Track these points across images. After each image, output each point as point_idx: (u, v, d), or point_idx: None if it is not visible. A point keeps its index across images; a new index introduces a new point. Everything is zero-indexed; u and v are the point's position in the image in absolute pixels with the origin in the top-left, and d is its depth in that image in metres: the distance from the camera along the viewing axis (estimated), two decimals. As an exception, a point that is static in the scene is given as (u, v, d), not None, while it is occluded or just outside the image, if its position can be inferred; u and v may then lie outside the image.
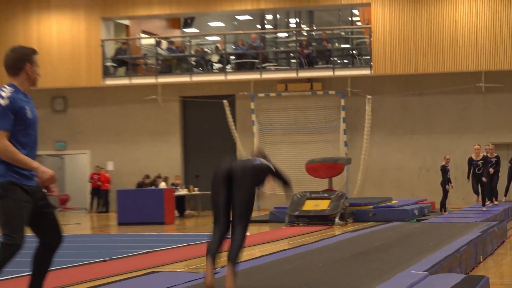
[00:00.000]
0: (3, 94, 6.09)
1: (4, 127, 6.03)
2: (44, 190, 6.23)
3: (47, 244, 6.51)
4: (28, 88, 6.42)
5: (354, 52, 34.08)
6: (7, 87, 6.21)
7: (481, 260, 13.29)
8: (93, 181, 34.07)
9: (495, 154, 27.02)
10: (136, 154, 35.11)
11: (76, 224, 27.37)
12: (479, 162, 23.60)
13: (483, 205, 23.41)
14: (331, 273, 9.33)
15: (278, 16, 37.08)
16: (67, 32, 35.48)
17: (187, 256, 15.20)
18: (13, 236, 6.12)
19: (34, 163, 6.21)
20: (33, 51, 6.41)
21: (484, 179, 25.67)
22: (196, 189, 31.11)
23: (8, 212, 6.16)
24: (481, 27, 31.73)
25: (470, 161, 23.99)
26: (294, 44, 35.08)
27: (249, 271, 9.58)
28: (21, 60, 6.27)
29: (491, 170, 26.48)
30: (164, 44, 36.04)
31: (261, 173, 7.92)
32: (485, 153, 27.17)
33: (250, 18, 36.69)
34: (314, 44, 34.47)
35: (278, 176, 8.22)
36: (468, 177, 24.44)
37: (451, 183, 27.15)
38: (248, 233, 19.14)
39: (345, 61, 34.18)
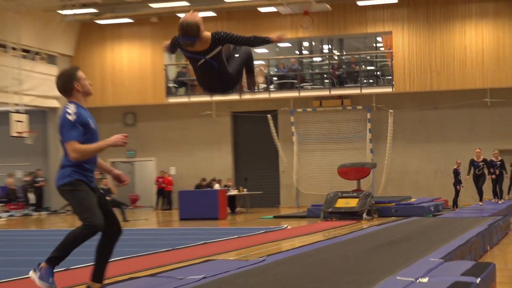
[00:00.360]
0: (70, 111, 6.54)
1: (76, 138, 6.49)
2: (115, 187, 7.85)
3: (107, 236, 6.89)
4: (85, 101, 7.02)
5: (378, 73, 34.99)
6: (71, 104, 6.67)
7: (488, 249, 13.34)
8: (158, 184, 35.14)
9: (500, 158, 26.91)
10: (194, 161, 35.98)
11: (144, 220, 28.26)
12: (480, 163, 23.85)
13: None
14: (360, 260, 9.33)
15: (313, 43, 37.66)
16: (136, 59, 36.65)
17: (238, 246, 15.51)
18: (91, 218, 6.40)
19: (104, 142, 6.80)
20: (75, 69, 6.92)
21: (493, 176, 26.13)
22: (245, 189, 32.20)
23: (81, 201, 6.50)
24: (486, 51, 32.66)
25: (472, 162, 24.22)
26: (327, 67, 35.95)
27: (291, 259, 9.80)
28: (69, 82, 6.75)
29: (497, 172, 26.33)
30: None
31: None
32: (492, 158, 27.02)
33: (290, 45, 37.20)
34: (344, 66, 35.31)
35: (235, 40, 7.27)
36: (468, 174, 24.65)
37: (461, 183, 26.96)
38: (289, 226, 21.41)
39: (370, 80, 34.95)
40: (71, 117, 6.45)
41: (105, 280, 6.92)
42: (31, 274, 6.28)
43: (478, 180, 24.16)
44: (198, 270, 8.74)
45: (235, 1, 32.73)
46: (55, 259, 6.31)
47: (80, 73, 6.75)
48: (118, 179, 7.06)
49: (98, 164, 7.01)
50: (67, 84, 6.67)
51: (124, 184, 7.17)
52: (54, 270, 6.45)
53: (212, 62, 7.03)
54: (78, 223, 6.59)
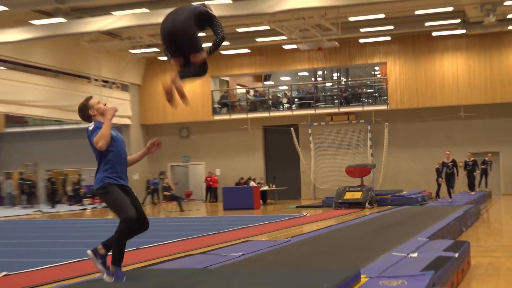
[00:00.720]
0: (90, 127, 6.33)
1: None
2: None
3: (141, 226, 6.46)
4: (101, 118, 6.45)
5: (376, 94, 34.78)
6: (91, 123, 6.42)
7: (464, 230, 13.62)
8: (206, 182, 34.98)
9: (472, 158, 27.28)
10: (234, 164, 35.80)
11: (196, 210, 28.35)
12: (450, 164, 22.79)
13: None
14: (364, 240, 9.59)
15: (325, 72, 37.57)
16: (188, 86, 37.67)
17: (268, 230, 15.49)
18: (125, 213, 6.10)
19: (105, 120, 6.27)
20: (87, 100, 6.59)
21: (477, 172, 26.81)
22: (273, 186, 32.33)
23: (115, 200, 6.22)
24: (460, 76, 32.47)
25: (443, 163, 23.32)
26: (336, 90, 35.92)
27: (309, 239, 10.07)
28: (85, 112, 6.50)
29: (479, 172, 27.44)
30: (251, 92, 37.04)
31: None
32: (466, 158, 27.61)
33: (307, 73, 37.32)
34: (349, 89, 35.14)
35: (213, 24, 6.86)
36: (441, 175, 24.17)
37: (442, 179, 25.83)
38: (308, 214, 21.44)
39: (370, 100, 34.63)
40: (90, 127, 6.28)
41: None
42: (105, 277, 6.11)
43: (449, 179, 23.09)
44: (238, 249, 8.90)
45: (264, 41, 32.43)
46: (117, 260, 6.12)
47: (92, 101, 6.54)
48: (151, 147, 6.75)
49: (131, 161, 6.73)
50: (84, 114, 6.50)
51: (158, 144, 6.82)
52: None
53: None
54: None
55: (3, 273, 9.03)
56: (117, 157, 6.31)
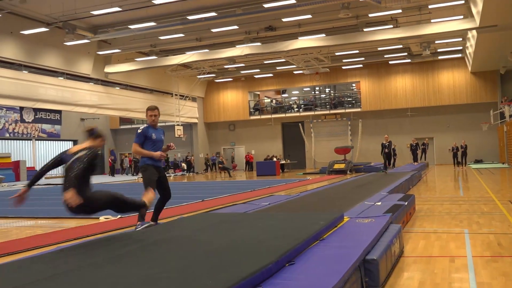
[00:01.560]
0: (140, 128, 6.10)
1: (136, 142, 6.06)
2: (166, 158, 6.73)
3: (162, 199, 6.30)
4: (154, 125, 6.21)
5: (353, 101, 34.32)
6: (142, 125, 6.19)
7: (410, 187, 13.60)
8: (246, 158, 34.93)
9: (416, 141, 27.11)
10: (263, 146, 35.63)
11: (239, 176, 27.61)
12: (386, 144, 21.58)
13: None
14: (346, 194, 9.52)
15: (320, 87, 36.79)
16: (234, 97, 36.60)
17: (285, 188, 15.50)
18: (148, 186, 5.92)
19: (151, 153, 6.03)
20: (148, 109, 6.29)
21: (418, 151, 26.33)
22: (288, 160, 32.35)
23: (148, 177, 6.00)
24: (407, 88, 32.23)
25: (382, 144, 22.06)
26: (328, 99, 35.69)
27: (311, 194, 10.00)
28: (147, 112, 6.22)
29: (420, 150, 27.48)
30: (274, 101, 36.73)
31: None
32: (411, 142, 27.45)
33: (309, 89, 36.76)
34: (336, 98, 34.98)
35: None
36: (382, 153, 22.24)
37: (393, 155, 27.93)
38: (310, 178, 21.48)
39: (349, 105, 34.20)
40: (139, 131, 6.09)
41: (159, 220, 6.41)
42: (138, 225, 5.88)
43: (388, 156, 21.85)
44: (266, 200, 8.93)
45: (282, 68, 32.39)
46: (141, 216, 5.93)
47: (149, 112, 6.21)
48: (167, 149, 6.38)
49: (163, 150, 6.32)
50: (146, 113, 6.23)
51: (171, 147, 6.40)
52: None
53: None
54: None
55: (118, 216, 8.95)
56: (154, 149, 6.10)
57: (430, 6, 20.34)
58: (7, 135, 30.65)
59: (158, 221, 6.35)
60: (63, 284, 3.03)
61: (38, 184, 24.53)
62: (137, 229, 5.79)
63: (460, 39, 26.56)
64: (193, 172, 34.72)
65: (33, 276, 3.27)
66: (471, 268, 4.57)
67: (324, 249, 4.07)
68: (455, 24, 20.88)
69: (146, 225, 5.87)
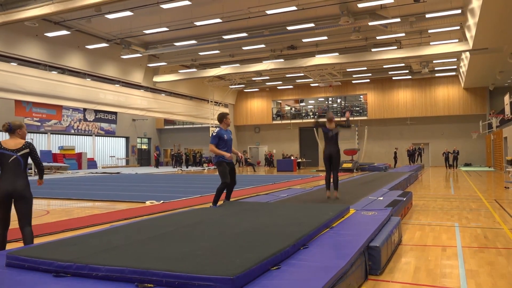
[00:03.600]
0: (215, 131, 6.12)
1: (212, 142, 6.05)
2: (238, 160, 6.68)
3: (231, 185, 6.22)
4: (226, 128, 6.24)
5: (360, 110, 33.66)
6: (216, 128, 6.21)
7: (408, 185, 13.38)
8: (268, 156, 34.11)
9: (413, 147, 27.41)
10: (283, 146, 35.17)
11: (263, 171, 27.55)
12: (411, 150, 22.12)
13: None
14: (353, 189, 9.18)
15: (333, 98, 36.02)
16: (259, 104, 36.15)
17: (301, 182, 15.46)
18: (225, 180, 6.06)
19: (224, 153, 6.03)
20: (226, 114, 6.29)
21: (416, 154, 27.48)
22: (304, 159, 31.85)
23: (221, 171, 6.06)
24: (408, 101, 31.44)
25: (408, 151, 23.33)
26: (339, 108, 35.01)
27: (322, 188, 9.70)
28: (221, 119, 6.23)
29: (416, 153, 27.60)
30: (293, 108, 36.31)
31: None
32: (409, 147, 27.76)
33: (323, 99, 36.07)
34: (346, 108, 34.27)
35: None
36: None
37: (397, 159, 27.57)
38: (322, 175, 21.23)
39: (358, 113, 33.53)
40: (214, 134, 6.08)
41: (231, 199, 6.50)
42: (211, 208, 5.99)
43: (411, 157, 22.18)
44: (284, 192, 8.86)
45: (300, 81, 31.96)
46: (215, 201, 6.14)
47: (228, 116, 6.29)
48: (237, 156, 6.52)
49: (233, 151, 6.30)
50: (220, 119, 6.23)
51: (241, 156, 6.38)
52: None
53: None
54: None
55: (161, 201, 9.11)
56: (226, 148, 6.10)
57: (429, 31, 20.01)
58: (72, 131, 31.34)
59: (230, 199, 6.44)
60: (115, 256, 3.06)
61: (96, 172, 25.02)
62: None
63: (455, 59, 26.07)
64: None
65: (92, 249, 3.31)
66: (460, 257, 4.49)
67: (333, 236, 4.02)
68: (451, 46, 20.49)
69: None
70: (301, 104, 37.68)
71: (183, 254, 3.06)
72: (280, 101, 37.39)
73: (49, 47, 20.97)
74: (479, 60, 21.41)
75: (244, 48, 23.43)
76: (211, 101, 32.40)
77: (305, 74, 27.82)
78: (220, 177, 6.13)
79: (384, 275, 3.85)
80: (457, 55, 24.64)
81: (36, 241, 4.53)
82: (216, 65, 27.68)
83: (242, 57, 25.92)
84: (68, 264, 2.86)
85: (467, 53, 21.52)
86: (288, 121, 35.51)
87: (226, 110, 35.88)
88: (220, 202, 6.36)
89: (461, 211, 7.95)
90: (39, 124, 28.35)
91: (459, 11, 17.14)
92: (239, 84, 32.51)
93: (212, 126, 31.25)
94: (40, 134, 29.25)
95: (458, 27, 19.11)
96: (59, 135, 30.70)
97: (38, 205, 9.11)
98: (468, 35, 18.93)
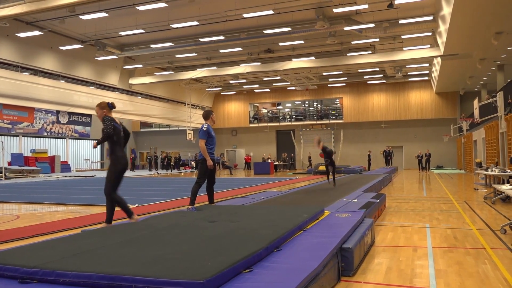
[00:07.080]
0: (205, 126, 6.06)
1: (204, 137, 5.99)
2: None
3: (209, 184, 6.30)
4: (212, 124, 6.28)
5: (336, 114, 33.92)
6: (206, 124, 6.12)
7: (382, 188, 13.49)
8: (245, 159, 34.00)
9: (391, 149, 27.63)
10: (261, 149, 35.37)
11: (239, 174, 27.20)
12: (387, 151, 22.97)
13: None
14: (328, 191, 9.27)
15: (309, 102, 35.76)
16: (237, 107, 36.15)
17: (277, 185, 15.42)
18: (201, 181, 6.06)
19: (208, 159, 5.99)
20: (212, 111, 6.32)
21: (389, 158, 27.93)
22: (281, 161, 31.66)
23: (203, 169, 6.05)
24: (382, 104, 31.92)
25: (369, 155, 23.46)
26: (315, 111, 35.18)
27: (299, 191, 9.76)
28: (208, 115, 6.24)
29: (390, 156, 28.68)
30: (270, 111, 36.36)
31: None
32: (385, 149, 28.75)
33: (300, 102, 35.96)
34: (322, 111, 34.53)
35: None
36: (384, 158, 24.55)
37: (370, 161, 27.63)
38: (299, 177, 21.43)
39: (334, 117, 33.79)
40: (204, 128, 6.03)
41: (215, 202, 6.46)
42: (187, 211, 5.91)
43: (386, 158, 22.73)
44: (261, 195, 8.81)
45: (277, 85, 32.28)
46: (192, 202, 6.05)
47: (213, 115, 6.29)
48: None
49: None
50: (207, 116, 6.24)
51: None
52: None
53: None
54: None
55: (136, 205, 9.02)
56: (213, 145, 6.10)
57: (403, 36, 20.41)
58: (45, 134, 30.57)
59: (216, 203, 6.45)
60: (84, 261, 3.00)
61: (70, 176, 24.44)
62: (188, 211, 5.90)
63: (427, 64, 26.65)
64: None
65: (60, 254, 3.24)
66: (430, 257, 4.53)
67: (307, 237, 4.02)
68: (424, 52, 20.97)
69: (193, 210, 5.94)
70: (278, 107, 37.81)
71: (155, 258, 3.01)
72: (257, 104, 37.39)
73: (21, 47, 20.44)
74: (450, 65, 21.96)
75: (221, 51, 23.41)
76: (188, 104, 32.21)
77: (282, 77, 27.94)
78: (199, 175, 6.07)
79: (357, 276, 3.87)
80: (429, 60, 25.17)
81: (4, 246, 4.39)
82: (193, 67, 27.57)
83: (219, 60, 25.90)
84: (34, 270, 2.78)
85: (439, 59, 22.01)
86: (265, 124, 35.57)
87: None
88: (197, 205, 6.29)
89: (432, 212, 8.03)
90: (10, 126, 27.54)
91: (431, 18, 17.56)
92: (216, 87, 32.50)
93: (189, 129, 31.06)
94: (11, 137, 28.44)
95: (430, 33, 19.55)
96: (31, 138, 29.92)
97: (7, 209, 8.83)
98: (439, 41, 19.41)
